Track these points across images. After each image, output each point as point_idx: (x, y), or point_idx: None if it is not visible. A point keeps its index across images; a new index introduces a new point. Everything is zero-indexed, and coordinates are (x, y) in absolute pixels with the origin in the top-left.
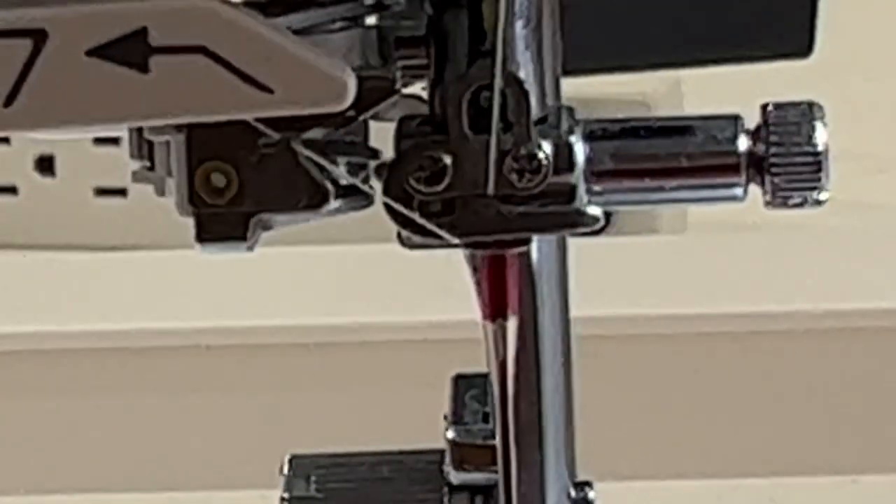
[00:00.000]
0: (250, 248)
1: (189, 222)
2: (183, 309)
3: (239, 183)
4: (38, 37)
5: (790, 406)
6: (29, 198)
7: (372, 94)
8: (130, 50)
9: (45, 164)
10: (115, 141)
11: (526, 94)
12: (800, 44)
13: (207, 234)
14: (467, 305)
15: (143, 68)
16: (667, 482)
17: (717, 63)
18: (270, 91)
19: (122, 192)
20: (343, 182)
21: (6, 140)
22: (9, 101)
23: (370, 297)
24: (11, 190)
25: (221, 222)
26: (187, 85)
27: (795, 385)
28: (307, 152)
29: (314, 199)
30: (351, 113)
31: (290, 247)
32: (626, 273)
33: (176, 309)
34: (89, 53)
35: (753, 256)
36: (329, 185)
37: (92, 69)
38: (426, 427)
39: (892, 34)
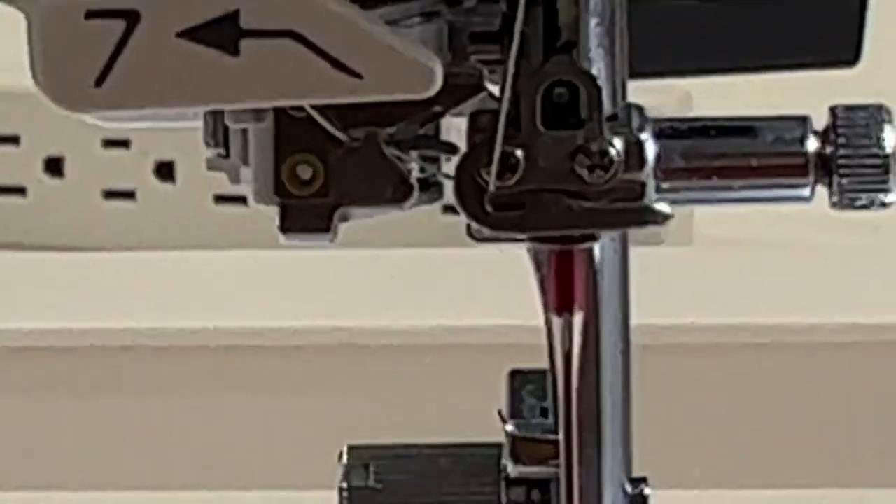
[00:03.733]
0: (332, 240)
1: (195, 223)
2: (192, 309)
3: (325, 175)
4: (131, 17)
5: (792, 417)
6: (37, 199)
7: (461, 91)
8: (222, 32)
9: (54, 166)
10: (124, 144)
11: (599, 90)
12: (847, 52)
13: (291, 224)
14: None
15: (234, 51)
16: (671, 492)
17: (764, 70)
18: (359, 76)
19: (130, 194)
20: (417, 175)
21: (15, 141)
22: (100, 80)
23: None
24: (20, 191)
25: (306, 214)
26: (277, 69)
27: (800, 397)
28: (392, 150)
29: (398, 193)
30: (438, 108)
31: (298, 251)
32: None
33: (184, 309)
34: (181, 35)
35: (757, 271)
36: (413, 180)
37: (183, 51)
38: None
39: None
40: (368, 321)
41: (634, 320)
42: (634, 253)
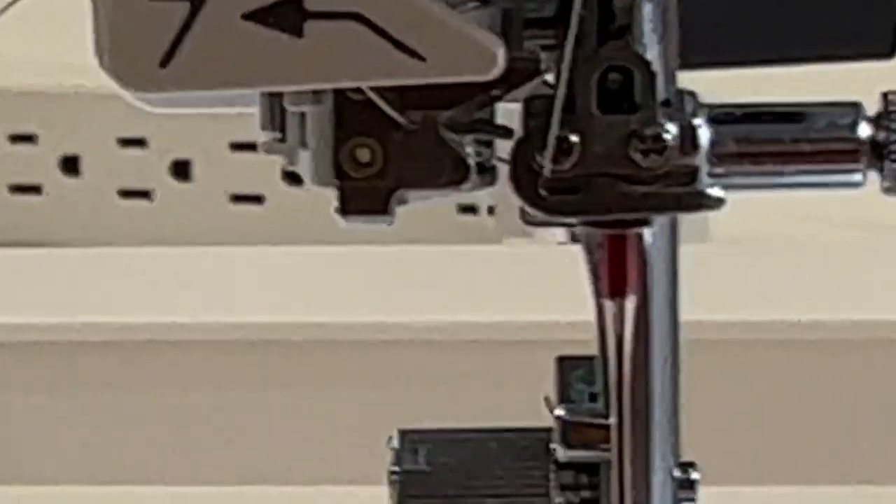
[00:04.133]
0: (390, 223)
1: (211, 222)
2: (208, 305)
3: (384, 158)
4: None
5: (804, 412)
6: (54, 198)
7: (518, 76)
8: (286, 14)
9: (71, 165)
10: (140, 143)
11: (653, 75)
12: (882, 45)
13: (350, 207)
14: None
15: (298, 33)
16: None
17: (799, 62)
18: (422, 59)
19: (146, 193)
20: (474, 159)
21: (32, 140)
22: (165, 61)
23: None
24: (37, 190)
25: (364, 196)
26: (341, 50)
27: (812, 392)
28: (449, 133)
29: (456, 176)
30: (496, 92)
31: (312, 248)
32: None
33: (199, 305)
34: (245, 17)
35: (773, 268)
36: (470, 163)
37: (247, 33)
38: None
39: None
40: (379, 317)
41: None
42: None
